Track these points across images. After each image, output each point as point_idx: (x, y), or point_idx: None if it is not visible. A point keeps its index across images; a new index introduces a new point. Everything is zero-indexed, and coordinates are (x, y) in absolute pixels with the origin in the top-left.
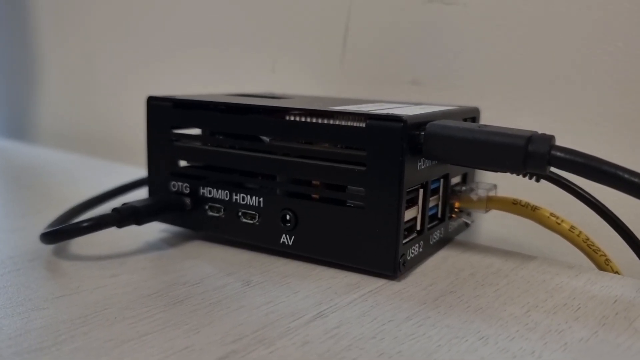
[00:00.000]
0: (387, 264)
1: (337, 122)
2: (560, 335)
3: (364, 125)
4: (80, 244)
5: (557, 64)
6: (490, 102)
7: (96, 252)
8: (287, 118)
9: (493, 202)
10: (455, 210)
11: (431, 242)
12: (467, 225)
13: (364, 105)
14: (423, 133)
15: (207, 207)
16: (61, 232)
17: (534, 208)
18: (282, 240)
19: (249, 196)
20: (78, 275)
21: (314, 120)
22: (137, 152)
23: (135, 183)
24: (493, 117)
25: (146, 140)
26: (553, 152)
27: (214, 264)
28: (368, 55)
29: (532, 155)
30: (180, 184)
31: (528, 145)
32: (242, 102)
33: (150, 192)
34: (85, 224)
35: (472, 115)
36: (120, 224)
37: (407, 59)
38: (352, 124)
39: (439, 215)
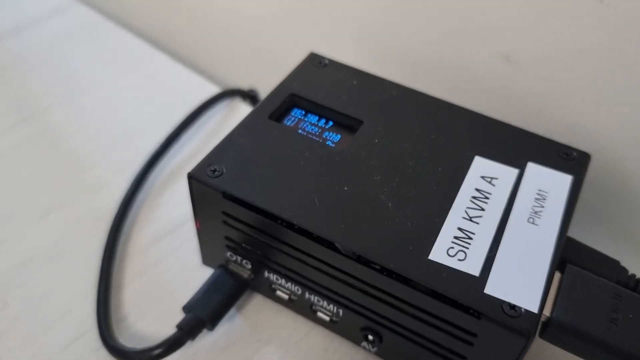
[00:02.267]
0: None
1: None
2: None
3: (477, 316)
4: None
5: None
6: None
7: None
8: (372, 268)
9: None
10: None
11: None
12: None
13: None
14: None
15: (273, 286)
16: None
17: None
18: (363, 344)
19: (325, 301)
20: None
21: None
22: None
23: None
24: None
25: (192, 209)
26: None
27: None
28: (449, 5)
29: None
30: (239, 257)
31: None
32: (312, 227)
33: (204, 260)
34: (156, 352)
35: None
36: (193, 337)
37: (499, 23)
38: (462, 312)
39: None
